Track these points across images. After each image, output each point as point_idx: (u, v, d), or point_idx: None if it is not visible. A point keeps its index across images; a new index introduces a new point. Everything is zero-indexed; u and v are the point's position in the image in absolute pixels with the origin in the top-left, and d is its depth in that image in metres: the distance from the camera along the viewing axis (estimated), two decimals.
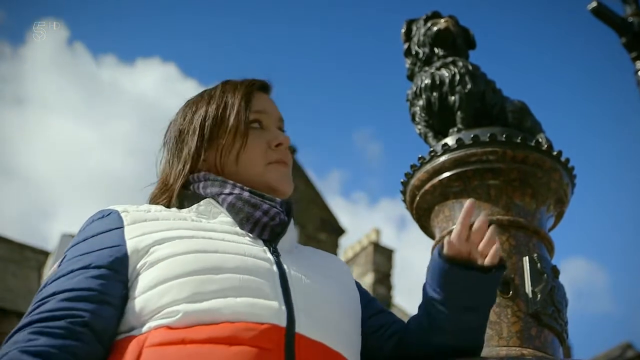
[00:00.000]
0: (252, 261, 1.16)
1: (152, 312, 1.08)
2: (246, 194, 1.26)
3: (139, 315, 1.09)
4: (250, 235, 1.23)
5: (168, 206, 1.32)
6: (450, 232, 1.28)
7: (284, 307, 1.11)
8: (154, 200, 1.35)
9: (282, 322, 1.09)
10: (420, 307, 1.32)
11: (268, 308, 1.09)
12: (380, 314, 1.36)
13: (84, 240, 1.20)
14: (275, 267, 1.17)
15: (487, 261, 1.24)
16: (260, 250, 1.20)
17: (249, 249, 1.18)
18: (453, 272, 1.24)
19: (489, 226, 1.27)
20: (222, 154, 1.32)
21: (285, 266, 1.19)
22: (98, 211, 1.26)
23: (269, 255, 1.20)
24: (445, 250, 1.25)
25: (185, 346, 1.03)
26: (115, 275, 1.13)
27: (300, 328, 1.10)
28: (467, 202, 1.26)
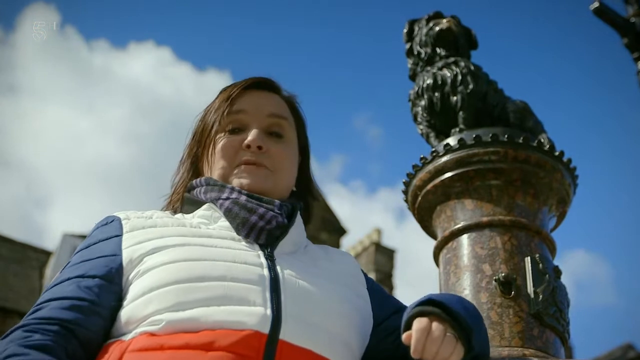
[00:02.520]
0: (241, 267, 1.15)
1: (139, 320, 1.11)
2: (243, 198, 1.26)
3: (127, 323, 1.12)
4: (247, 240, 1.23)
5: (176, 211, 1.35)
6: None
7: (269, 313, 1.10)
8: (169, 206, 1.39)
9: (265, 329, 1.08)
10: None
11: (251, 315, 1.09)
12: (397, 315, 1.31)
13: (86, 248, 1.24)
14: (267, 272, 1.16)
15: None
16: (254, 255, 1.19)
17: (241, 255, 1.18)
18: None
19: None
20: (205, 158, 1.36)
21: (279, 270, 1.18)
22: (104, 217, 1.29)
23: (262, 259, 1.19)
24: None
25: (163, 352, 1.05)
26: (109, 286, 1.16)
27: (286, 335, 1.09)
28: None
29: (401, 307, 1.35)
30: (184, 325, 1.07)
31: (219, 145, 1.34)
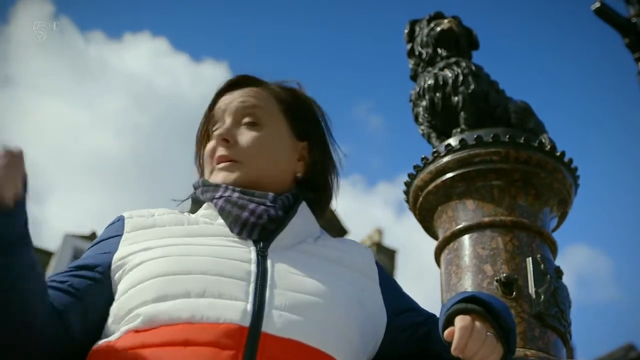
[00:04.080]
0: (228, 263, 1.16)
1: (124, 315, 1.11)
2: (236, 195, 1.27)
3: (115, 320, 1.13)
4: (241, 236, 1.23)
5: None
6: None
7: (249, 308, 1.09)
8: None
9: (245, 322, 1.08)
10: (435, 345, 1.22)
11: (231, 308, 1.09)
12: (408, 313, 1.31)
13: (95, 245, 1.27)
14: (254, 267, 1.16)
15: None
16: (245, 251, 1.19)
17: (230, 251, 1.18)
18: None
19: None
20: (200, 161, 1.42)
21: (269, 265, 1.18)
22: (115, 217, 1.32)
23: (252, 255, 1.19)
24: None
25: (144, 350, 1.05)
26: (96, 276, 1.18)
27: (269, 327, 1.08)
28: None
29: (414, 307, 1.34)
30: (164, 318, 1.07)
31: (206, 151, 1.38)
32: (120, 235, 1.23)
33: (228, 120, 1.37)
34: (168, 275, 1.12)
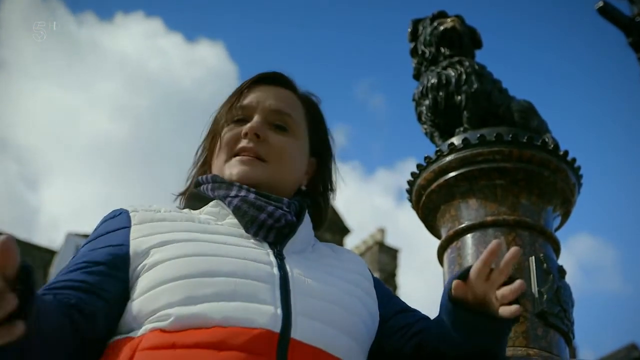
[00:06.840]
0: (251, 265, 1.15)
1: (148, 315, 1.10)
2: (252, 196, 1.26)
3: (136, 317, 1.11)
4: (256, 238, 1.23)
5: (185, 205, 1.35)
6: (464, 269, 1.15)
7: (279, 312, 1.09)
8: (180, 199, 1.40)
9: (276, 328, 1.07)
10: (436, 324, 1.24)
11: (262, 313, 1.08)
12: (401, 314, 1.31)
13: (94, 239, 1.23)
14: (276, 270, 1.16)
15: (505, 312, 1.08)
16: (263, 253, 1.19)
17: (251, 252, 1.18)
18: (459, 314, 1.14)
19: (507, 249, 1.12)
20: (213, 151, 1.37)
21: (288, 269, 1.18)
22: (111, 211, 1.29)
23: (272, 258, 1.19)
24: (453, 292, 1.14)
25: (175, 350, 1.04)
26: (113, 272, 1.15)
27: (296, 333, 1.09)
28: (493, 243, 1.10)
29: (406, 308, 1.35)
30: (194, 321, 1.07)
31: (223, 138, 1.35)
32: (128, 228, 1.21)
33: (258, 117, 1.35)
34: (195, 277, 1.10)
